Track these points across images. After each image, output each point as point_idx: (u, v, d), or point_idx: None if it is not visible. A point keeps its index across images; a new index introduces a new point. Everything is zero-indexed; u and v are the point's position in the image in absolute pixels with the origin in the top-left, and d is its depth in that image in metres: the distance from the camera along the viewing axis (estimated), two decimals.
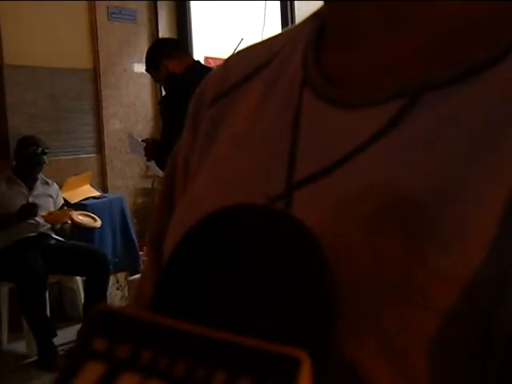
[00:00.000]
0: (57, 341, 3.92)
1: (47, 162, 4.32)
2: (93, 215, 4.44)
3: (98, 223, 4.39)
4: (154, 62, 3.87)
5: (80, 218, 4.32)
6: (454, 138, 0.38)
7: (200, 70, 3.66)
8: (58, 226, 4.32)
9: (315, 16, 0.53)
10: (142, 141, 4.16)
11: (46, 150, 4.30)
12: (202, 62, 5.97)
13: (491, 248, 0.33)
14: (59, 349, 3.92)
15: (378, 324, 0.35)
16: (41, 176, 4.38)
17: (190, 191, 0.52)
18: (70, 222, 4.27)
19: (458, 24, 0.41)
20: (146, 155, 3.88)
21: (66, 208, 4.40)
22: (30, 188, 4.28)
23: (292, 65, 0.50)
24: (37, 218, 4.22)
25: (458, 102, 0.39)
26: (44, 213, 4.20)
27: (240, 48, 0.62)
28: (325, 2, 0.49)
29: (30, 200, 4.23)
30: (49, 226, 4.30)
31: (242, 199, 0.43)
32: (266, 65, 0.53)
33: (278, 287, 0.26)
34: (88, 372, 0.23)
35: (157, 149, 3.71)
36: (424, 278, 0.34)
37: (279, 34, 0.57)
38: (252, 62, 0.55)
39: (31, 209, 4.07)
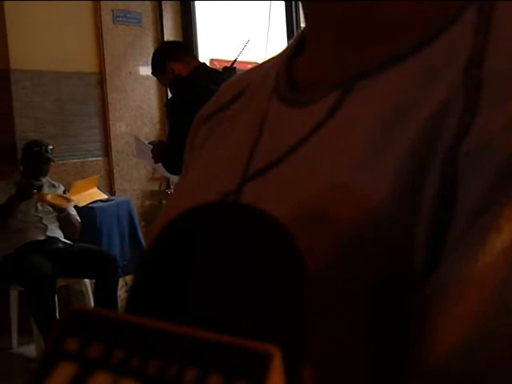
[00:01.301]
0: None
1: (53, 160, 4.34)
2: (66, 196, 4.41)
3: (72, 203, 4.37)
4: (159, 65, 3.87)
5: (53, 198, 4.30)
6: (376, 119, 0.41)
7: (206, 72, 3.67)
8: (63, 215, 4.32)
9: (302, 32, 0.57)
10: (149, 143, 4.17)
11: (49, 149, 4.31)
12: (208, 64, 6.00)
13: (379, 214, 0.37)
14: None
15: None
16: (47, 179, 4.40)
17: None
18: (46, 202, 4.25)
19: (386, 17, 0.45)
20: (152, 157, 3.89)
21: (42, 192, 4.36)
22: (38, 191, 4.29)
23: (270, 77, 0.55)
24: (45, 222, 4.25)
25: (383, 86, 0.42)
26: (52, 216, 4.24)
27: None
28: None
29: (38, 204, 4.25)
30: (57, 229, 4.32)
31: (202, 197, 0.49)
32: (250, 84, 0.59)
33: (249, 283, 0.26)
34: (60, 373, 0.23)
35: (164, 151, 3.72)
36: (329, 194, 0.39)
37: (270, 58, 0.62)
38: (241, 84, 0.61)
39: (28, 187, 4.10)
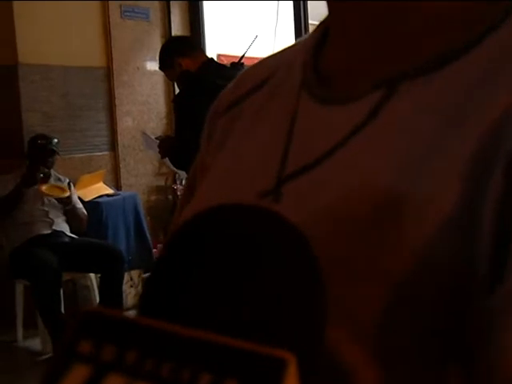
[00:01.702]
0: None
1: (58, 153, 4.35)
2: (61, 186, 4.38)
3: (67, 193, 4.34)
4: (167, 60, 3.86)
5: (48, 189, 4.29)
6: (428, 123, 0.40)
7: (214, 68, 3.67)
8: (71, 211, 4.32)
9: (324, 23, 0.55)
10: (156, 138, 4.17)
11: (54, 142, 4.32)
12: (215, 59, 5.99)
13: (448, 224, 0.35)
14: None
15: (343, 301, 0.36)
16: (54, 173, 4.40)
17: (195, 195, 0.56)
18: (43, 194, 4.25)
19: (431, 18, 0.44)
20: (159, 152, 3.89)
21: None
22: (45, 178, 4.30)
23: (295, 70, 0.53)
24: (51, 216, 4.25)
25: (432, 89, 0.41)
26: (58, 210, 4.27)
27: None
28: (327, 4, 0.51)
29: (45, 198, 4.26)
30: (64, 223, 4.33)
31: (233, 196, 0.48)
32: (272, 75, 0.57)
33: (265, 288, 0.26)
34: (73, 375, 0.23)
35: (171, 146, 3.72)
36: (385, 256, 0.37)
37: (292, 45, 0.61)
38: (262, 72, 0.59)
39: (34, 172, 4.11)
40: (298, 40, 0.60)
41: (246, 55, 3.81)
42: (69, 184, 4.44)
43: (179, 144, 3.52)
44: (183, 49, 3.82)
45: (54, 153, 4.34)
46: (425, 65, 0.42)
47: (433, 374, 0.35)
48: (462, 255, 0.34)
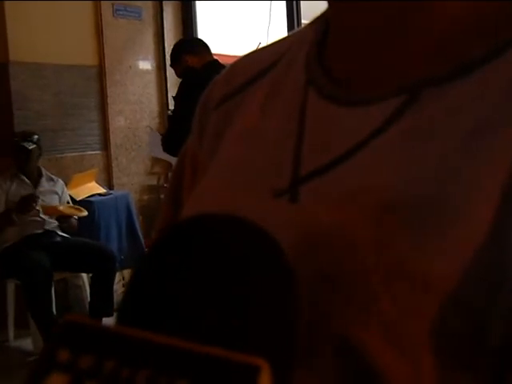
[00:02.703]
0: None
1: (40, 148, 4.34)
2: (78, 206, 4.44)
3: (85, 213, 4.39)
4: (175, 56, 4.09)
5: (67, 209, 4.33)
6: (452, 131, 0.39)
7: (217, 68, 3.70)
8: (65, 224, 4.33)
9: (321, 18, 0.54)
10: (161, 134, 4.30)
11: (34, 137, 4.30)
12: None
13: (487, 238, 0.35)
14: None
15: (381, 312, 0.36)
16: (46, 173, 4.40)
17: (195, 191, 0.54)
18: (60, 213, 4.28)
19: (455, 22, 0.42)
20: (162, 145, 4.08)
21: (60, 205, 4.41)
22: (36, 184, 4.30)
23: (296, 66, 0.52)
24: (42, 216, 4.24)
25: (455, 97, 0.40)
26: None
27: (246, 45, 0.65)
28: (328, 3, 0.50)
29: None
30: (55, 223, 4.32)
31: (245, 196, 0.46)
32: (272, 66, 0.55)
33: (239, 296, 0.26)
34: (52, 383, 0.24)
35: (165, 135, 3.95)
36: (423, 268, 0.36)
37: (285, 37, 0.59)
38: (257, 64, 0.57)
39: (31, 200, 4.07)
40: (291, 32, 0.59)
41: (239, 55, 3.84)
42: (66, 185, 4.48)
43: (174, 132, 3.70)
44: (191, 47, 4.07)
45: (35, 152, 4.31)
46: (449, 71, 0.41)
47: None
48: (497, 263, 0.34)
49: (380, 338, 0.36)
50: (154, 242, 0.28)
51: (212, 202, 0.49)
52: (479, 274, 0.34)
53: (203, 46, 4.14)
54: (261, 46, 0.62)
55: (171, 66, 4.26)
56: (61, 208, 4.28)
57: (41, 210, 4.19)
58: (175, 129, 3.72)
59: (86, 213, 4.38)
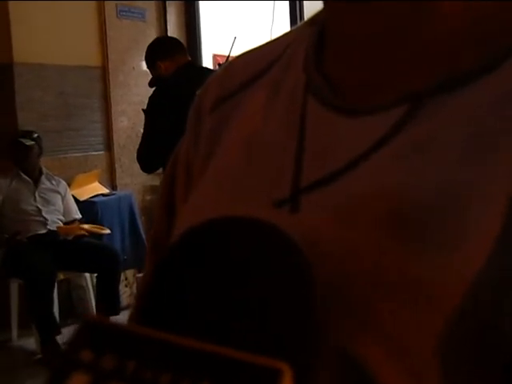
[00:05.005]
0: (64, 338, 3.93)
1: (41, 147, 4.35)
2: (100, 227, 4.52)
3: (107, 231, 4.46)
4: (149, 62, 3.90)
5: (89, 227, 4.40)
6: (455, 141, 0.38)
7: (189, 71, 3.64)
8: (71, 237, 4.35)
9: (313, 21, 0.53)
10: None
11: (34, 135, 4.31)
12: (211, 59, 5.98)
13: (494, 249, 0.34)
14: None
15: (383, 326, 0.35)
16: (46, 171, 4.41)
17: (193, 198, 0.52)
18: (81, 232, 4.33)
19: (456, 32, 0.42)
20: None
21: (77, 223, 4.47)
22: (36, 182, 4.32)
23: (294, 69, 0.50)
24: (45, 215, 4.25)
25: (458, 106, 0.39)
26: (52, 208, 4.33)
27: (234, 47, 0.62)
28: (325, 7, 0.49)
29: (36, 194, 4.28)
30: (59, 223, 4.33)
31: (245, 205, 0.45)
32: (268, 68, 0.53)
33: (261, 299, 0.26)
34: (73, 383, 0.24)
35: (139, 149, 3.74)
36: (427, 281, 0.35)
37: (281, 36, 0.57)
38: (253, 65, 0.55)
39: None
40: (284, 33, 0.57)
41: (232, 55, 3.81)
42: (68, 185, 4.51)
43: (148, 149, 3.55)
44: (164, 51, 3.81)
45: (28, 147, 4.30)
46: (450, 80, 0.41)
47: None
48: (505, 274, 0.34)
49: (381, 352, 0.35)
50: (170, 246, 0.28)
51: (211, 210, 0.47)
52: (486, 286, 0.34)
53: (176, 47, 3.91)
54: (238, 42, 0.60)
55: (148, 68, 4.02)
56: (86, 226, 4.33)
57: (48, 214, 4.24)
58: (151, 145, 3.55)
59: (108, 231, 4.42)
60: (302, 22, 0.55)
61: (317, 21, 0.53)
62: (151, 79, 3.91)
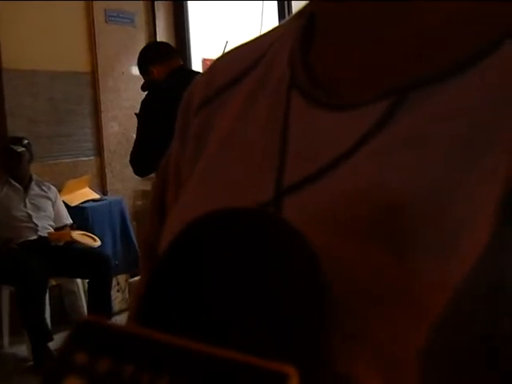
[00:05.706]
0: (56, 344, 3.91)
1: (31, 154, 4.34)
2: (92, 235, 4.48)
3: (98, 242, 4.42)
4: (143, 68, 3.89)
5: (80, 236, 4.36)
6: (442, 136, 0.37)
7: (182, 75, 3.63)
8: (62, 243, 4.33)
9: (300, 14, 0.52)
10: None
11: (24, 142, 4.30)
12: (200, 63, 5.98)
13: (482, 254, 0.33)
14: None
15: (370, 335, 0.34)
16: (36, 178, 4.41)
17: (180, 200, 0.51)
18: (72, 239, 4.31)
19: (445, 21, 0.41)
20: None
21: (68, 228, 4.45)
22: (26, 189, 4.30)
23: (279, 64, 0.49)
24: (35, 221, 4.24)
25: (445, 99, 0.38)
26: (42, 214, 4.31)
27: (226, 51, 0.60)
28: (313, 1, 0.49)
29: (27, 200, 4.27)
30: (49, 229, 4.32)
31: (227, 204, 0.42)
32: (254, 65, 0.52)
33: (268, 296, 0.25)
34: None
35: (132, 152, 3.74)
36: (415, 289, 0.34)
37: (265, 34, 0.56)
38: (239, 63, 0.54)
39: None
40: (271, 28, 0.56)
41: None
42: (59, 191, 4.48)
43: (141, 153, 3.55)
44: (156, 56, 3.81)
45: (19, 154, 4.29)
46: (439, 72, 0.39)
47: None
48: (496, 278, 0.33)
49: (370, 366, 0.34)
50: (170, 242, 0.27)
51: (194, 215, 0.46)
52: (469, 299, 0.32)
53: (169, 52, 3.91)
54: (230, 46, 0.60)
55: (140, 74, 4.03)
56: (73, 235, 4.29)
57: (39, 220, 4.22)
58: (144, 149, 3.55)
59: (99, 242, 4.39)
60: (291, 15, 0.55)
61: (304, 13, 0.52)
62: (144, 83, 3.91)
